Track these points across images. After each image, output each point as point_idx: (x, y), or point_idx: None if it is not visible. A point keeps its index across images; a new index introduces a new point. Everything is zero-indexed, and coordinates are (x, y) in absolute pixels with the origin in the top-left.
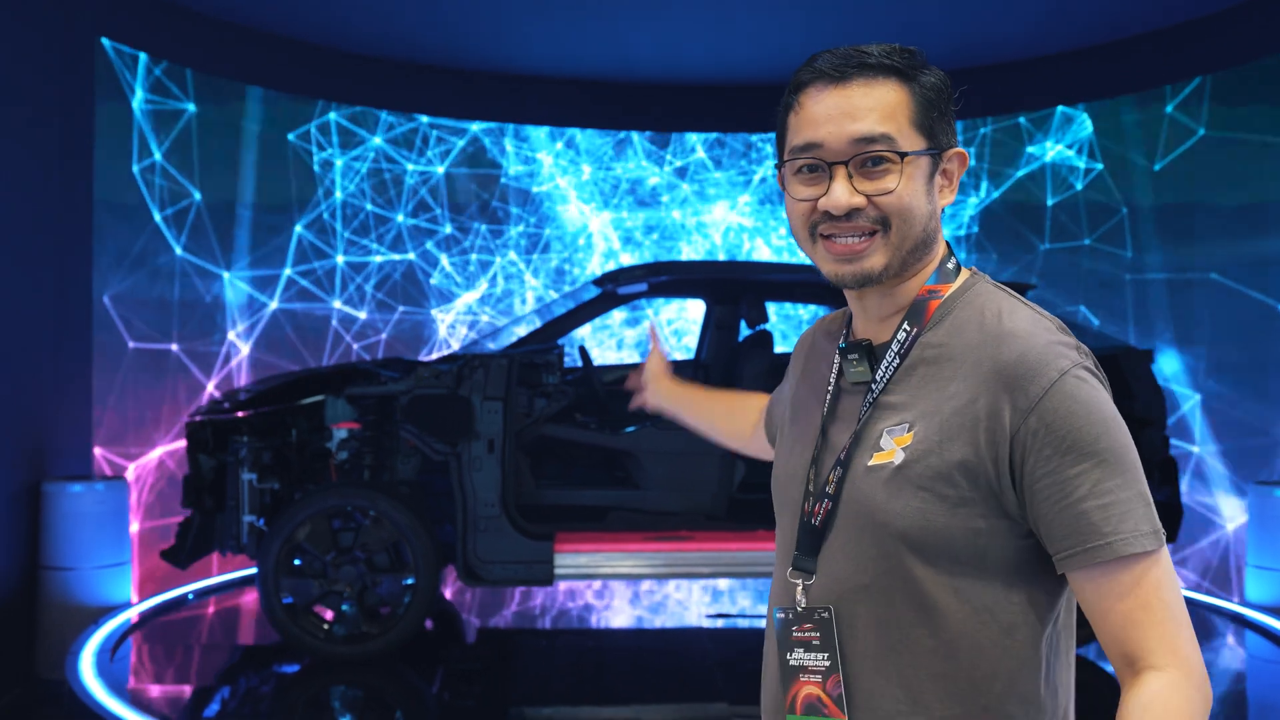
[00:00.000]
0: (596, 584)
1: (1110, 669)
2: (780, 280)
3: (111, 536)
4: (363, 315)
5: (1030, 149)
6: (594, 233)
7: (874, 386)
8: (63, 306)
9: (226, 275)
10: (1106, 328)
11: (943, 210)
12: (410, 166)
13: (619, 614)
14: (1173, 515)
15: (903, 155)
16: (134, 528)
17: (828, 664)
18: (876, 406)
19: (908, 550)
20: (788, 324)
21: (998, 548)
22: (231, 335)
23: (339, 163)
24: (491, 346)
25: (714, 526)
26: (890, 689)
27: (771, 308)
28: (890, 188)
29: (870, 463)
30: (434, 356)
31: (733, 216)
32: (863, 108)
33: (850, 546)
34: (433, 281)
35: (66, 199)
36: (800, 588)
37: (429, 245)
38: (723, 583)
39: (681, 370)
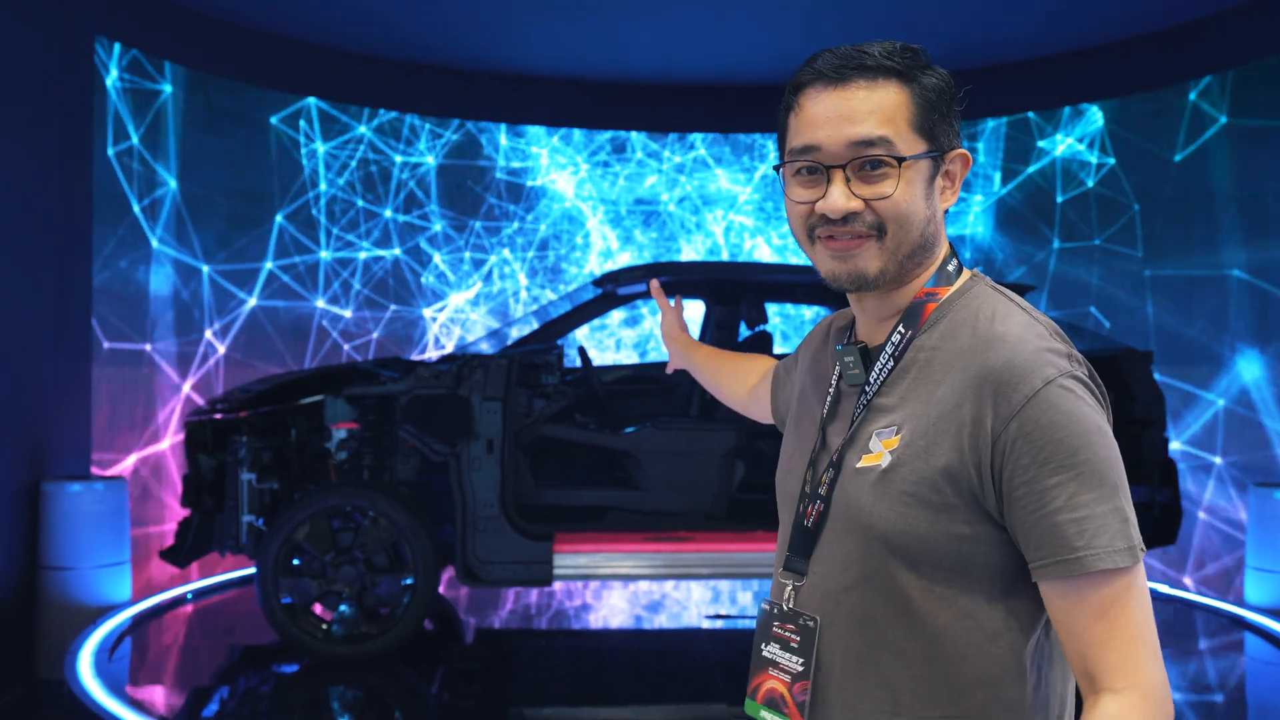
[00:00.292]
0: (596, 584)
1: None
2: (780, 281)
3: (111, 536)
4: (348, 314)
5: (1040, 143)
6: (591, 230)
7: (868, 389)
8: (63, 306)
9: (206, 269)
10: (1119, 328)
11: (945, 212)
12: (399, 158)
13: (618, 614)
14: (1171, 517)
15: (901, 160)
16: None
17: (800, 669)
18: (869, 409)
19: (892, 554)
20: (790, 324)
21: (982, 554)
22: (209, 334)
23: (321, 148)
24: (484, 347)
25: (713, 527)
26: (872, 690)
27: (772, 308)
28: (887, 193)
29: (859, 465)
30: (425, 356)
31: (733, 215)
32: (861, 110)
33: (838, 548)
34: (424, 280)
35: (66, 199)
36: (790, 588)
37: (421, 242)
38: (723, 583)
39: (681, 371)
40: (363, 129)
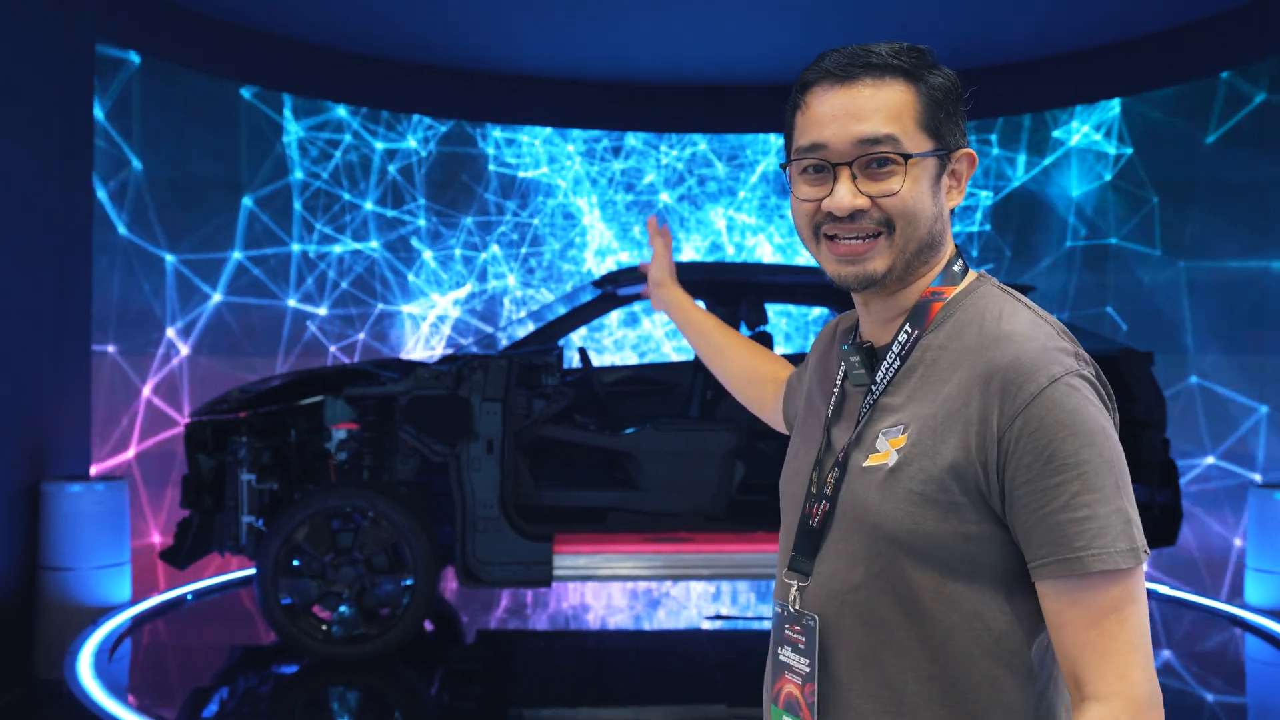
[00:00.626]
0: (595, 584)
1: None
2: (780, 282)
3: (110, 537)
4: (322, 311)
5: (1055, 133)
6: (588, 227)
7: (874, 389)
8: (63, 306)
9: (169, 259)
10: (1136, 326)
11: (951, 211)
12: (380, 146)
13: (618, 615)
14: (1172, 518)
15: (907, 157)
16: None
17: (807, 669)
18: (875, 408)
19: (899, 553)
20: (793, 325)
21: (989, 553)
22: (170, 332)
23: (291, 125)
24: (475, 349)
25: (714, 528)
26: (877, 690)
27: (775, 308)
28: (894, 190)
29: (865, 464)
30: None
31: (735, 214)
32: (868, 109)
33: (844, 547)
34: (410, 279)
35: (67, 199)
36: (795, 588)
37: (411, 239)
38: (723, 584)
39: (681, 372)
40: (341, 110)
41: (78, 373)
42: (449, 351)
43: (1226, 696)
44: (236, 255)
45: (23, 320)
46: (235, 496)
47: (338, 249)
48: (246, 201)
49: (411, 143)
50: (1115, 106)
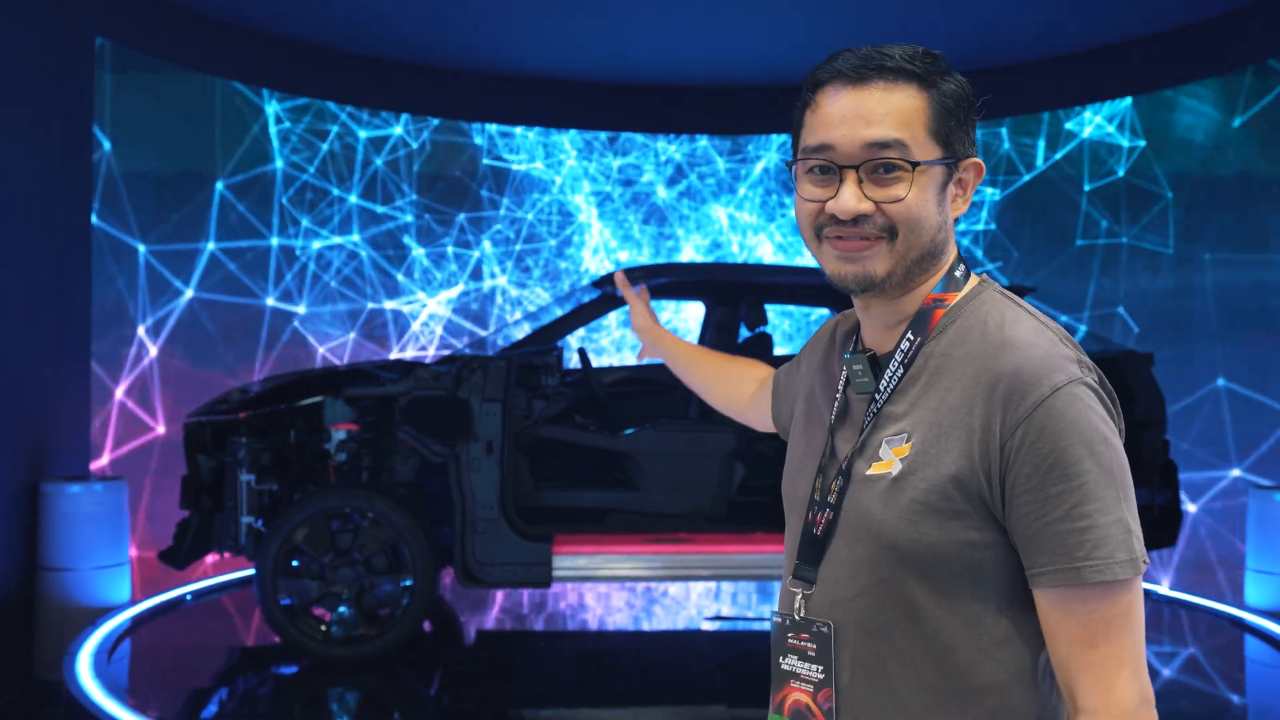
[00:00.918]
0: (595, 585)
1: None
2: (780, 283)
3: (110, 537)
4: (301, 310)
5: (1068, 125)
6: (586, 225)
7: (878, 397)
8: (63, 306)
9: (142, 249)
10: (1150, 328)
11: (955, 220)
12: (363, 134)
13: (618, 615)
14: (1172, 519)
15: (915, 164)
16: None
17: (821, 676)
18: (879, 416)
19: (902, 562)
20: (795, 325)
21: (992, 561)
22: (140, 330)
23: (273, 110)
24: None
25: (713, 529)
26: (880, 699)
27: (774, 310)
28: (900, 196)
29: (869, 473)
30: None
31: (735, 212)
32: (878, 112)
33: (847, 555)
34: (399, 278)
35: (66, 199)
36: (800, 596)
37: (403, 236)
38: (723, 584)
39: None
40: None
41: (77, 373)
42: (448, 352)
43: (1227, 697)
44: (210, 246)
45: (22, 320)
46: (235, 497)
47: (316, 244)
48: (219, 184)
49: (397, 129)
50: (1126, 101)
